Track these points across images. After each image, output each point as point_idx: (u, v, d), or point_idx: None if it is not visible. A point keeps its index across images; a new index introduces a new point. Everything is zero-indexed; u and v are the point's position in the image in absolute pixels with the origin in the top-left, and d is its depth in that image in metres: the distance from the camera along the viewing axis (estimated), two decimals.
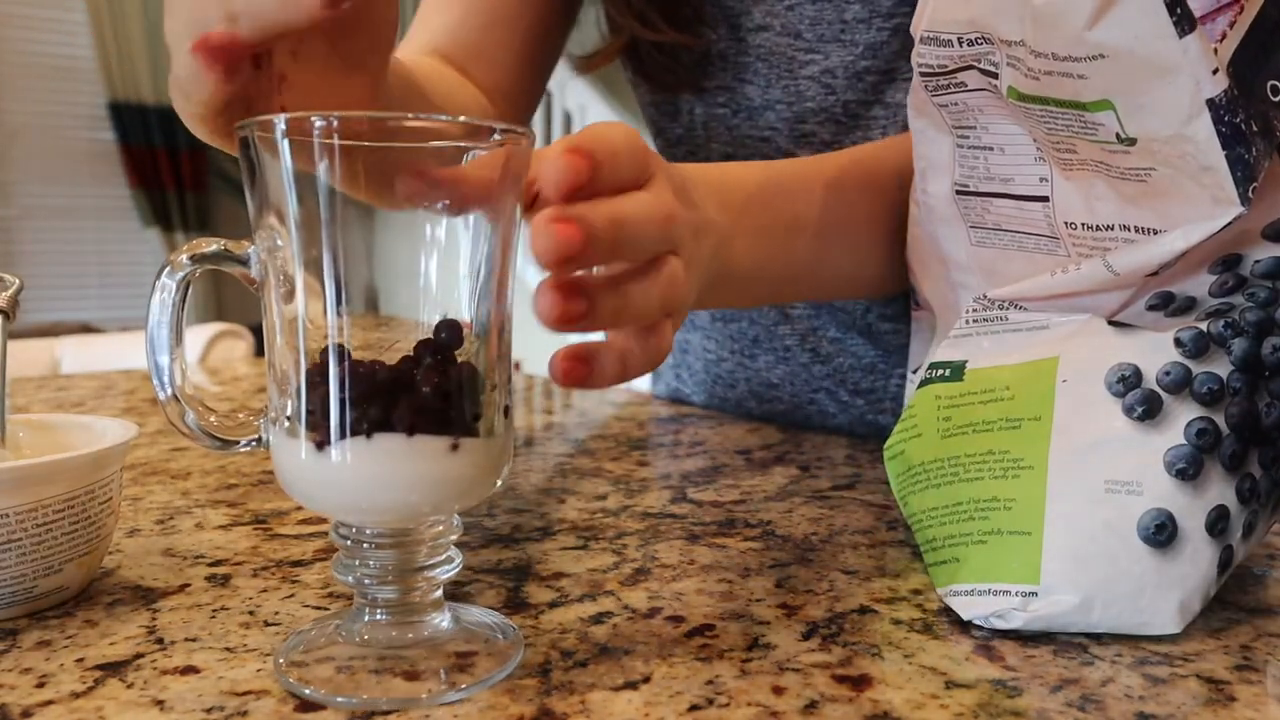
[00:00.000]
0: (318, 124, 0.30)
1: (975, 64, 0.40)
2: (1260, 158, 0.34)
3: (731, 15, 0.68)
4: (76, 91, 4.30)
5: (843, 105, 0.66)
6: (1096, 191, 0.38)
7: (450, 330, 0.32)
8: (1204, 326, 0.38)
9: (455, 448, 0.32)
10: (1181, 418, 0.37)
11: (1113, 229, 0.38)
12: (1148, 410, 0.37)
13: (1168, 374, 0.38)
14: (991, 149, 0.42)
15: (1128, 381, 0.38)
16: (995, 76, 0.40)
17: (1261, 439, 0.38)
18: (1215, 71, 0.33)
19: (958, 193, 0.45)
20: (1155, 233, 0.37)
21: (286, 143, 0.30)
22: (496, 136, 0.32)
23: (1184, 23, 0.33)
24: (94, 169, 4.38)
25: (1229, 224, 0.35)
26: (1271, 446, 0.38)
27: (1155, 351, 0.38)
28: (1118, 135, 0.36)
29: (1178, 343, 0.38)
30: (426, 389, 0.31)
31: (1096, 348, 0.40)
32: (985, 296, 0.43)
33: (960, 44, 0.40)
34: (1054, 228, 0.41)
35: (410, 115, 0.31)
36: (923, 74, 0.43)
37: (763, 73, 0.68)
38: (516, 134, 0.32)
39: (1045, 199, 0.40)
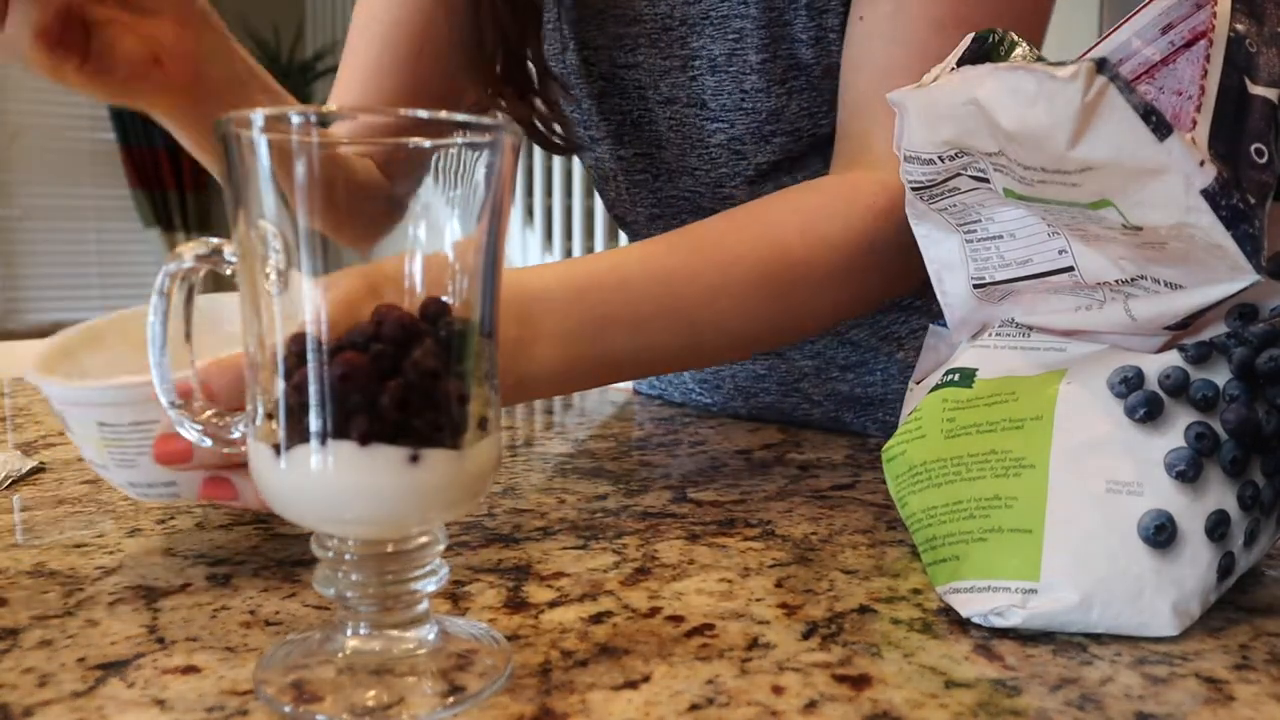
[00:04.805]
0: (295, 120, 0.29)
1: (963, 172, 0.41)
2: (1264, 224, 0.34)
3: (640, 88, 0.72)
4: (77, 91, 4.30)
5: (754, 167, 0.69)
6: (1119, 252, 0.38)
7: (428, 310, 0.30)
8: (1208, 335, 0.38)
9: (415, 459, 0.30)
10: (1182, 420, 0.37)
11: (1144, 279, 0.38)
12: (1149, 412, 0.37)
13: (1168, 377, 0.38)
14: (1001, 236, 0.42)
15: (1130, 383, 0.38)
16: (986, 180, 0.40)
17: (1263, 447, 0.38)
18: (1202, 163, 0.33)
19: (975, 286, 0.45)
20: (1178, 287, 0.37)
21: (264, 140, 0.29)
22: (489, 135, 0.31)
23: (1161, 128, 0.33)
24: (94, 169, 4.39)
25: (1245, 289, 0.35)
26: (1273, 455, 0.38)
27: (1157, 353, 0.39)
28: (1123, 225, 0.36)
29: (1180, 348, 0.38)
30: (385, 398, 0.29)
31: (1103, 353, 0.40)
32: (1013, 321, 0.44)
33: (942, 160, 0.41)
34: (1084, 284, 0.41)
35: (402, 111, 0.30)
36: (913, 188, 0.43)
37: (675, 141, 0.72)
38: (503, 131, 0.31)
39: (1070, 269, 0.40)
